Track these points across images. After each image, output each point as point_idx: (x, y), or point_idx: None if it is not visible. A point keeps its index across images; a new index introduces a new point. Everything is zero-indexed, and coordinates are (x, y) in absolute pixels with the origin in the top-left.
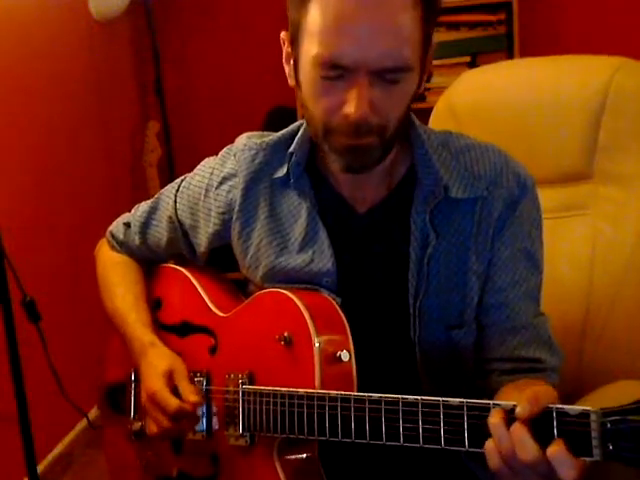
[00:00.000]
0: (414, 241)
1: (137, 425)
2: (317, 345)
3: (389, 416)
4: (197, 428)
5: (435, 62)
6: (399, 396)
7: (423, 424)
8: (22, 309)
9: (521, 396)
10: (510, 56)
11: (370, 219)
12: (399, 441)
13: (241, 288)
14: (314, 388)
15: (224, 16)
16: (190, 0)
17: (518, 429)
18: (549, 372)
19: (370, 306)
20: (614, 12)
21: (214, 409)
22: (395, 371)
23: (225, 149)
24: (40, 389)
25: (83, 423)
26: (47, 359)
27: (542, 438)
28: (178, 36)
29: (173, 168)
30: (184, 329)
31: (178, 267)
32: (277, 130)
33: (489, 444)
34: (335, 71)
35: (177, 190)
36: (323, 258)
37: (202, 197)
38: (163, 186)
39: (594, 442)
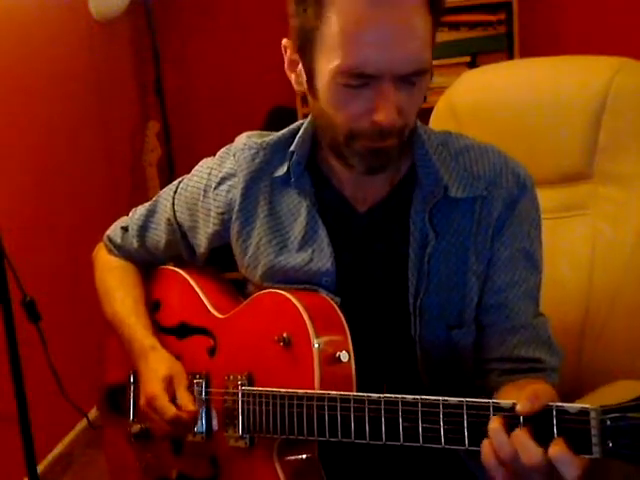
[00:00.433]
0: (413, 241)
1: (136, 427)
2: (316, 346)
3: (389, 416)
4: (197, 430)
5: (435, 62)
6: (399, 396)
7: (423, 423)
8: (22, 309)
9: (520, 394)
10: (510, 56)
11: (370, 218)
12: (399, 440)
13: (240, 288)
14: (313, 389)
15: (224, 16)
16: (190, 0)
17: (520, 434)
18: (549, 372)
19: (370, 305)
20: (614, 12)
21: (213, 411)
22: (396, 370)
23: (223, 149)
24: (40, 389)
25: (83, 423)
26: (47, 359)
27: (542, 437)
28: (178, 36)
29: (173, 168)
30: (183, 331)
31: (176, 269)
32: (277, 130)
33: (485, 449)
34: (359, 80)
35: (175, 192)
36: (322, 257)
37: (201, 197)
38: (163, 186)
39: (594, 440)
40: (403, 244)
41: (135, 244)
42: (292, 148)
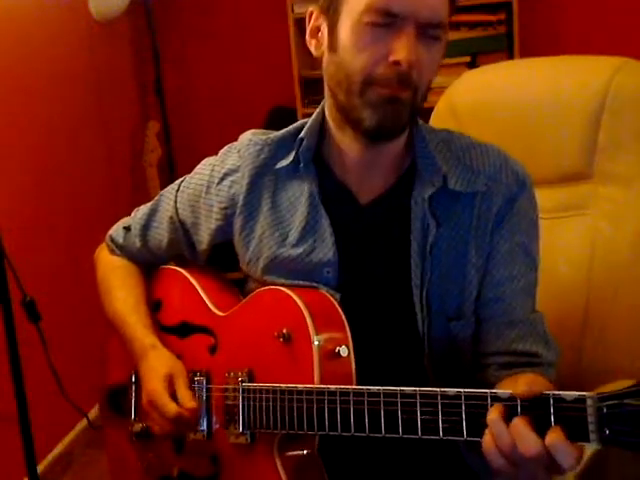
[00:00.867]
0: (415, 230)
1: (138, 426)
2: (316, 341)
3: (388, 408)
4: (198, 428)
5: None
6: (397, 388)
7: (421, 415)
8: (22, 309)
9: (517, 383)
10: (510, 56)
11: (372, 211)
12: (398, 433)
13: (240, 287)
14: (313, 384)
15: (224, 16)
16: (190, 0)
17: (518, 424)
18: (546, 367)
19: (373, 298)
20: (614, 12)
21: (214, 408)
22: (401, 365)
23: (226, 147)
24: (40, 389)
25: (83, 423)
26: (47, 359)
27: (540, 425)
28: (178, 36)
29: (173, 168)
30: (184, 330)
31: (177, 268)
32: (277, 130)
33: (486, 439)
34: (385, 18)
35: (177, 190)
36: (324, 247)
37: (203, 194)
38: (163, 186)
39: (590, 427)
40: (405, 236)
41: (137, 244)
42: (302, 135)
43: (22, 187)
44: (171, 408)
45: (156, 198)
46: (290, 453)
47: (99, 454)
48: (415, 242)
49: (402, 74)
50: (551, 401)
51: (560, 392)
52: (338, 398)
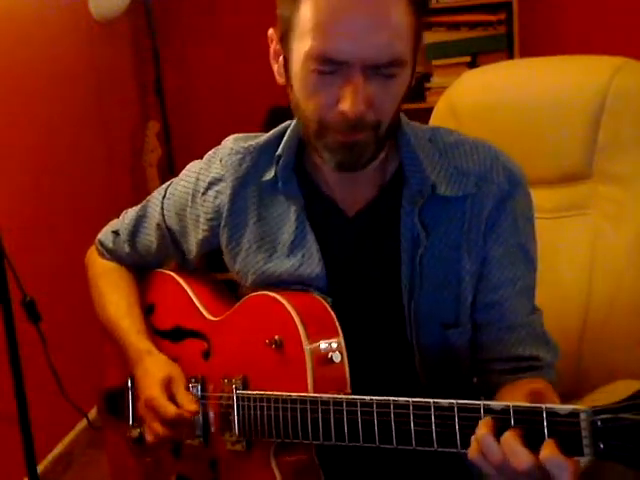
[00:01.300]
0: (404, 241)
1: (135, 432)
2: (308, 348)
3: (381, 419)
4: (195, 433)
5: (435, 62)
6: (390, 398)
7: (415, 426)
8: (22, 309)
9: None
10: (510, 56)
11: (359, 222)
12: (392, 444)
13: (234, 288)
14: (307, 391)
15: (224, 16)
16: (190, 0)
17: (509, 439)
18: (546, 369)
19: (364, 309)
20: (614, 12)
21: (210, 414)
22: (394, 373)
23: (210, 152)
24: (40, 389)
25: (83, 423)
26: (47, 359)
27: (533, 439)
28: (178, 36)
29: (173, 168)
30: (177, 334)
31: (170, 272)
32: None
33: (473, 450)
34: (329, 66)
35: (164, 197)
36: (312, 263)
37: (189, 203)
38: None
39: (585, 441)
40: (394, 246)
41: (126, 248)
42: (279, 152)
43: (22, 187)
44: (170, 410)
45: (143, 203)
46: (287, 459)
47: (99, 454)
48: (405, 254)
49: (352, 122)
50: (544, 414)
51: (554, 405)
52: (332, 408)
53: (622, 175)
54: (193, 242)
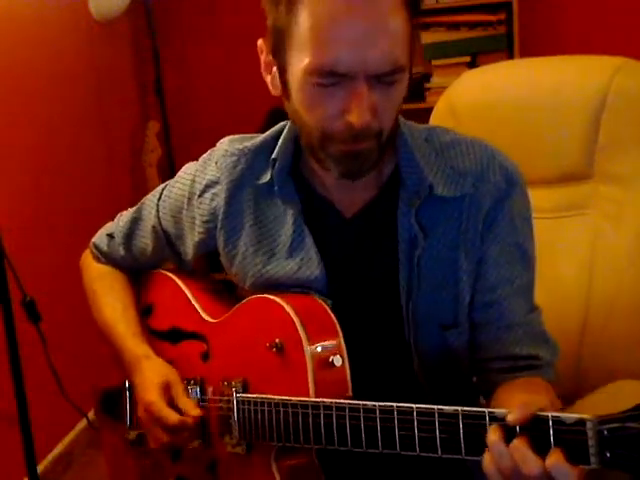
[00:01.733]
0: (402, 242)
1: (133, 434)
2: (308, 351)
3: (385, 425)
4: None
5: (435, 62)
6: (393, 404)
7: (419, 432)
8: (22, 309)
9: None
10: (510, 56)
11: (358, 222)
12: (396, 449)
13: (232, 289)
14: (308, 394)
15: (224, 16)
16: (190, 0)
17: (519, 445)
18: (545, 368)
19: (363, 310)
20: (614, 12)
21: (210, 417)
22: (393, 374)
23: (206, 154)
24: (40, 389)
25: (83, 423)
26: (47, 359)
27: (539, 446)
28: (178, 36)
29: (173, 168)
30: (175, 335)
31: (168, 273)
32: None
33: (487, 461)
34: (333, 78)
35: (159, 199)
36: (311, 265)
37: (185, 205)
38: None
39: (591, 450)
40: (392, 247)
41: (122, 252)
42: (274, 155)
43: (22, 187)
44: (172, 417)
45: (138, 205)
46: (288, 462)
47: (99, 454)
48: (402, 255)
49: (359, 132)
50: (550, 423)
51: (559, 414)
52: (334, 413)
53: (622, 175)
54: (189, 244)
